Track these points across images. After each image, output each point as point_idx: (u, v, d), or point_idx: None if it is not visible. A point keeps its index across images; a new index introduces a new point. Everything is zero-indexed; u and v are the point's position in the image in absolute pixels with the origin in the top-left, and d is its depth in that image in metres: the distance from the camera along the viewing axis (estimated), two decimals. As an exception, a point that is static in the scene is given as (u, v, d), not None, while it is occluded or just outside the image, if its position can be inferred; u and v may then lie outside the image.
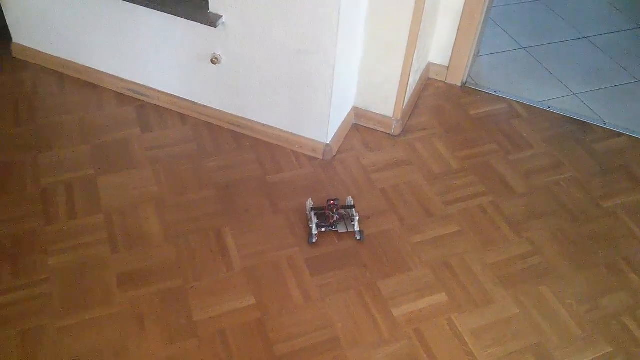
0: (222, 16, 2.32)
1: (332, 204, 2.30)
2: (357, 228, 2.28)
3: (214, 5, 2.31)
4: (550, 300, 2.14)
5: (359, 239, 2.27)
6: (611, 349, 2.01)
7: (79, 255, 2.17)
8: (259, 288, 2.10)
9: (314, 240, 2.25)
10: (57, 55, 2.89)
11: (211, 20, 2.31)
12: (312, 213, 2.29)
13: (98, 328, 1.97)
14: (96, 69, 2.84)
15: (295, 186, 2.47)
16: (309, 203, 2.34)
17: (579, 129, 2.84)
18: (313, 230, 2.25)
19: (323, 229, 2.28)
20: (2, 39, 2.97)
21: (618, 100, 3.03)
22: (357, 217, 2.29)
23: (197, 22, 2.34)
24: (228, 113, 2.66)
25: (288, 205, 2.39)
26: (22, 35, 2.91)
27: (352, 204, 2.35)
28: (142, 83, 2.77)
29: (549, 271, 2.23)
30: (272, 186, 2.46)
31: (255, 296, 2.08)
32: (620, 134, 2.83)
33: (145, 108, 2.77)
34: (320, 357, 1.93)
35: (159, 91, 2.75)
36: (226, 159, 2.56)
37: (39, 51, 2.92)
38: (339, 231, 2.29)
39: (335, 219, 2.28)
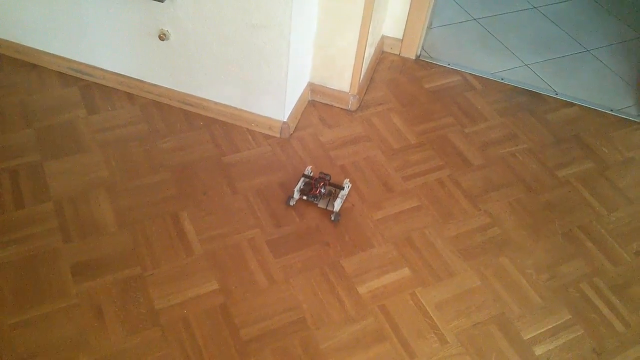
0: (170, -10, 2.22)
1: (321, 178, 2.28)
2: (336, 209, 2.24)
3: (161, -21, 2.21)
4: (511, 270, 2.17)
5: (333, 220, 2.24)
6: (570, 316, 2.06)
7: (29, 246, 2.06)
8: (221, 272, 2.05)
9: (291, 204, 2.25)
10: (-8, 34, 2.72)
11: (159, -5, 2.21)
12: (302, 179, 2.28)
13: (54, 322, 1.88)
14: (35, 47, 2.68)
15: (253, 166, 2.41)
16: (308, 170, 2.33)
17: (531, 100, 2.88)
18: (294, 194, 2.23)
19: (304, 198, 2.26)
20: None
21: (568, 70, 3.08)
22: (342, 201, 2.26)
23: (143, -3, 2.23)
24: (179, 91, 2.57)
25: (247, 186, 2.33)
26: (-48, 13, 2.72)
27: (345, 186, 2.31)
28: (85, 62, 2.64)
29: (508, 242, 2.26)
30: (229, 167, 2.40)
31: (217, 281, 2.03)
32: (571, 104, 2.88)
33: (91, 88, 2.65)
34: (287, 338, 1.91)
35: (104, 70, 2.63)
36: (179, 140, 2.47)
37: (-28, 30, 2.74)
38: (318, 205, 2.27)
39: (319, 192, 2.25)
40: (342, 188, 2.29)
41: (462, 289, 2.10)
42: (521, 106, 2.83)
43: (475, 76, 2.97)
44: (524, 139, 2.67)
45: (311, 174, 2.33)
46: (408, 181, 2.43)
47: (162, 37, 2.36)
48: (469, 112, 2.77)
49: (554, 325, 2.04)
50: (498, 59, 3.09)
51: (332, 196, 2.29)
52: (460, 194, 2.40)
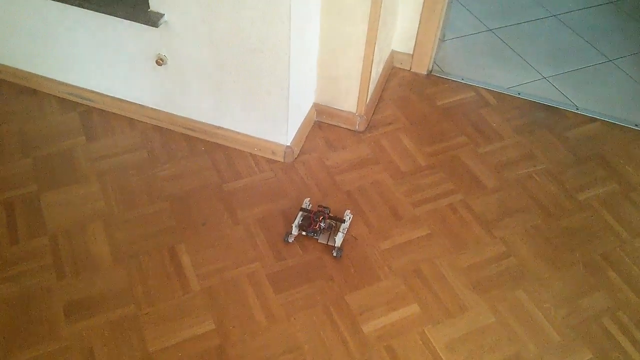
0: (163, 14, 2.13)
1: (320, 210, 2.17)
2: (338, 244, 2.12)
3: (155, 3, 2.12)
4: (527, 305, 2.03)
5: (335, 256, 2.12)
6: (591, 355, 1.92)
7: (22, 285, 2.00)
8: (219, 310, 1.96)
9: (290, 241, 2.14)
10: (-8, 60, 2.67)
11: (152, 20, 2.12)
12: (300, 213, 2.16)
13: (44, 366, 1.81)
14: (35, 72, 2.62)
15: (255, 193, 2.31)
16: (306, 202, 2.21)
17: (550, 116, 2.72)
18: (293, 230, 2.13)
19: (304, 233, 2.15)
20: None
21: (590, 82, 2.92)
22: (343, 235, 2.13)
23: (137, 22, 2.15)
24: (179, 116, 2.48)
25: (248, 215, 2.24)
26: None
27: (346, 219, 2.18)
28: (85, 87, 2.57)
29: (525, 273, 2.12)
30: (230, 194, 2.30)
31: (214, 320, 1.93)
32: (593, 119, 2.72)
33: (91, 113, 2.58)
34: (286, 384, 1.81)
35: (103, 95, 2.56)
36: (179, 167, 2.39)
37: (-28, 55, 2.69)
38: (319, 241, 2.15)
39: (319, 227, 2.14)
40: (343, 221, 2.17)
41: (475, 326, 1.97)
42: (539, 123, 2.68)
43: (490, 91, 2.82)
44: (542, 159, 2.52)
45: (309, 207, 2.22)
46: (417, 207, 2.30)
47: (160, 62, 2.27)
48: (483, 130, 2.63)
49: (574, 365, 1.90)
50: (514, 72, 2.94)
51: (332, 230, 2.17)
52: (473, 221, 2.27)
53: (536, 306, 2.03)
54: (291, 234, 2.13)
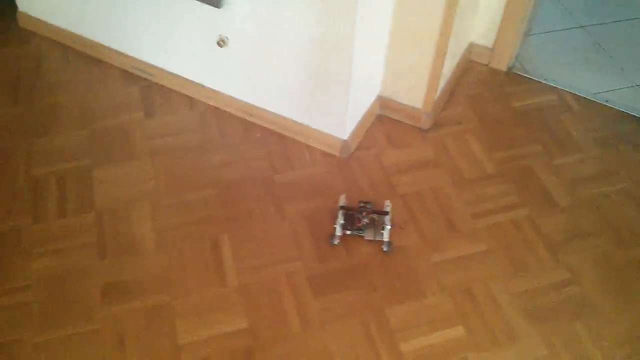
0: (227, -5, 2.04)
1: (362, 206, 2.07)
2: (386, 238, 2.03)
3: (218, -17, 2.03)
4: (585, 340, 1.85)
5: (386, 250, 2.03)
6: (652, 406, 1.73)
7: (64, 260, 2.00)
8: (253, 309, 1.89)
9: (336, 242, 2.04)
10: (63, 27, 2.67)
11: (215, 0, 2.03)
12: (340, 212, 2.06)
13: (76, 346, 1.81)
14: (102, 43, 2.61)
15: (305, 187, 2.22)
16: (343, 199, 2.11)
17: (638, 129, 2.46)
18: (337, 230, 2.03)
19: (348, 232, 2.05)
20: (8, 7, 2.76)
21: (689, 93, 2.62)
22: (389, 227, 2.03)
23: (200, 1, 2.07)
24: (238, 99, 2.41)
25: (295, 210, 2.15)
26: (27, 4, 2.70)
27: (388, 210, 2.08)
28: (148, 61, 2.53)
29: (586, 305, 1.93)
30: (280, 187, 2.22)
31: (248, 319, 1.87)
32: (688, 137, 2.44)
33: (152, 88, 2.54)
34: (312, 398, 1.73)
35: (165, 71, 2.51)
36: (232, 153, 2.32)
37: (45, 21, 2.70)
38: (365, 238, 2.05)
39: (363, 223, 2.04)
40: (387, 213, 2.05)
41: (524, 358, 1.81)
42: (625, 136, 2.43)
43: (574, 95, 2.58)
44: (623, 177, 2.28)
45: (345, 204, 2.09)
46: (478, 219, 2.14)
47: (221, 43, 2.19)
48: (562, 139, 2.41)
49: (631, 416, 1.72)
50: (604, 76, 2.67)
51: (376, 224, 2.06)
52: (539, 241, 2.08)
53: (595, 344, 1.84)
54: (335, 235, 2.03)
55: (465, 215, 2.15)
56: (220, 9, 2.07)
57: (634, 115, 2.50)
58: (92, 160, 2.28)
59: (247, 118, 2.43)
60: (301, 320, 1.87)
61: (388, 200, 2.11)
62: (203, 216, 2.13)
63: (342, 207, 2.07)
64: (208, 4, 2.06)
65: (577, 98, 2.57)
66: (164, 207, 2.15)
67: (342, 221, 2.03)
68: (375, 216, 2.08)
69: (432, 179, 2.25)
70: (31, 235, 2.06)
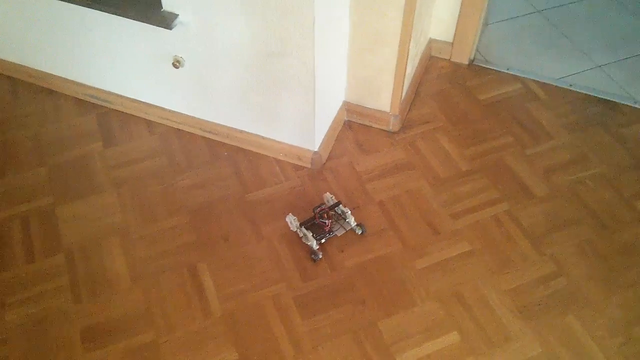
0: (178, 15, 1.96)
1: (320, 210, 2.04)
2: (353, 223, 2.05)
3: (169, 3, 1.94)
4: (578, 333, 1.84)
5: (361, 233, 2.04)
6: (651, 391, 1.73)
7: (38, 308, 1.90)
8: (241, 338, 1.83)
9: (320, 257, 1.99)
10: (8, 59, 2.54)
11: (166, 21, 1.95)
12: (303, 228, 2.01)
13: (59, 399, 1.72)
14: (51, 72, 2.49)
15: (279, 204, 2.15)
16: (291, 220, 2.05)
17: (605, 111, 2.47)
18: (313, 246, 1.98)
19: (323, 240, 2.02)
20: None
21: (650, 70, 2.64)
22: (349, 212, 2.05)
23: (149, 23, 1.98)
24: (200, 119, 2.32)
25: (272, 229, 2.08)
26: (-35, 37, 2.57)
27: (335, 200, 2.09)
28: (102, 87, 2.43)
29: (576, 296, 1.92)
30: (254, 206, 2.15)
31: (237, 349, 1.80)
32: (654, 115, 2.46)
33: (108, 115, 2.44)
34: None
35: (121, 96, 2.41)
36: (200, 175, 2.24)
37: (-13, 54, 2.57)
38: (338, 235, 2.04)
39: (329, 224, 2.02)
40: (337, 203, 2.08)
41: (520, 358, 1.78)
42: (593, 119, 2.43)
43: (538, 83, 2.57)
44: (596, 162, 2.28)
45: (297, 221, 2.06)
46: (457, 219, 2.11)
47: (177, 64, 2.11)
48: (531, 128, 2.40)
49: (631, 403, 1.71)
50: (566, 60, 2.67)
51: (338, 217, 2.07)
52: (520, 235, 2.07)
53: (589, 334, 1.84)
54: (314, 250, 1.98)
55: (445, 216, 2.12)
56: (172, 30, 1.98)
57: (599, 97, 2.51)
58: (54, 198, 2.18)
59: (211, 137, 2.35)
60: (292, 345, 1.81)
61: (326, 193, 2.12)
62: (177, 245, 2.04)
63: (301, 224, 2.03)
64: (159, 26, 1.97)
65: (542, 85, 2.56)
66: (136, 240, 2.06)
67: (313, 234, 1.99)
68: (332, 212, 2.08)
69: (407, 183, 2.22)
70: (1, 284, 1.95)
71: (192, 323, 1.86)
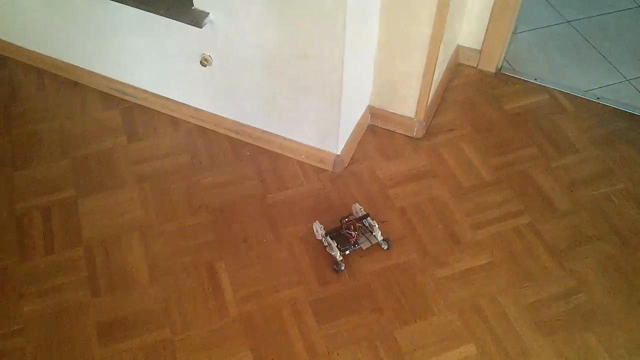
0: (208, 13, 1.96)
1: (347, 221, 2.02)
2: (380, 238, 2.01)
3: (199, 1, 1.95)
4: (597, 350, 1.81)
5: (387, 248, 2.01)
6: (670, 414, 1.71)
7: (56, 299, 1.92)
8: (257, 340, 1.83)
9: (342, 268, 1.97)
10: (37, 50, 2.56)
11: (196, 20, 1.95)
12: (329, 238, 1.99)
13: (74, 392, 1.73)
14: (79, 65, 2.51)
15: (300, 207, 2.15)
16: (317, 228, 2.03)
17: (632, 126, 2.43)
18: (337, 256, 1.96)
19: (347, 252, 1.99)
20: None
21: (680, 85, 2.60)
22: (377, 225, 2.01)
23: (179, 21, 1.98)
24: (224, 117, 2.33)
25: (291, 232, 2.08)
26: (-3, 27, 2.60)
27: (363, 212, 2.07)
28: (127, 82, 2.44)
29: (596, 313, 1.89)
30: (274, 207, 2.15)
31: (252, 351, 1.80)
32: (683, 131, 2.42)
33: (133, 110, 2.45)
34: None
35: (147, 92, 2.42)
36: (223, 174, 2.24)
37: (18, 45, 2.59)
38: (363, 248, 2.01)
39: (355, 236, 2.00)
40: (366, 215, 2.06)
41: (537, 373, 1.77)
42: (620, 134, 2.39)
43: (566, 94, 2.54)
44: (621, 177, 2.25)
45: (324, 230, 2.03)
46: (479, 230, 2.09)
47: (204, 62, 2.11)
48: (557, 140, 2.37)
49: None
50: (594, 72, 2.64)
51: (365, 230, 2.04)
52: (542, 248, 2.04)
53: (607, 352, 1.81)
54: (338, 261, 1.96)
55: (466, 226, 2.10)
56: (202, 28, 1.98)
57: (627, 112, 2.47)
58: (76, 191, 2.19)
59: (235, 136, 2.35)
60: (307, 349, 1.81)
61: (356, 204, 2.09)
62: (197, 243, 2.05)
63: (327, 233, 2.01)
64: (189, 24, 1.98)
65: (569, 97, 2.53)
66: (156, 236, 2.07)
67: (336, 245, 1.97)
68: (360, 224, 2.05)
69: (429, 190, 2.20)
70: (19, 275, 1.97)
71: (208, 322, 1.86)
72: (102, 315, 1.88)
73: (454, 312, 1.89)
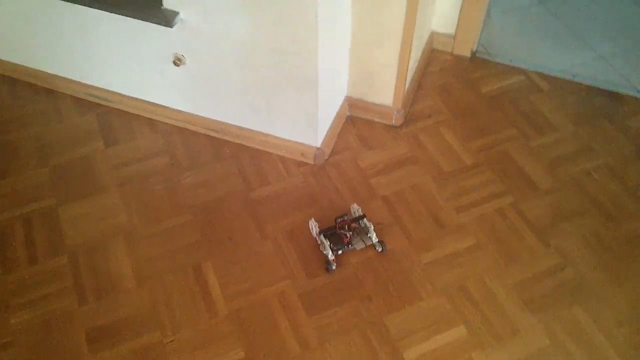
0: (178, 12, 1.94)
1: (342, 221, 1.99)
2: (375, 239, 1.99)
3: (169, 0, 1.93)
4: (585, 324, 1.83)
5: (381, 250, 1.99)
6: (660, 382, 1.73)
7: (43, 309, 1.89)
8: (248, 336, 1.82)
9: (333, 268, 1.95)
10: (7, 59, 2.53)
11: (166, 19, 1.94)
12: (322, 237, 1.98)
13: (66, 401, 1.72)
14: (51, 72, 2.48)
15: (283, 201, 2.14)
16: (313, 225, 2.03)
17: (609, 102, 2.45)
18: (329, 256, 1.95)
19: (340, 252, 1.98)
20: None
21: (653, 59, 2.62)
22: (372, 227, 1.99)
23: (149, 21, 1.97)
24: (202, 117, 2.31)
25: (276, 227, 2.07)
26: (-36, 38, 2.56)
27: (360, 213, 2.04)
28: (103, 86, 2.42)
29: (583, 288, 1.91)
30: (258, 203, 2.14)
31: (244, 348, 1.80)
32: (657, 104, 2.45)
33: (109, 115, 2.43)
34: (321, 423, 1.67)
35: (122, 95, 2.40)
36: (203, 173, 2.23)
37: (-14, 55, 2.56)
38: (357, 248, 1.99)
39: (349, 237, 1.98)
40: (363, 216, 2.02)
41: (528, 351, 1.78)
42: (597, 110, 2.42)
43: (541, 74, 2.56)
44: (601, 153, 2.27)
45: (318, 228, 2.02)
46: (462, 213, 2.10)
47: (178, 62, 2.10)
48: (535, 120, 2.38)
49: (641, 395, 1.71)
50: (568, 50, 2.66)
51: (360, 231, 2.01)
52: (526, 227, 2.06)
53: (596, 325, 1.83)
54: (329, 260, 1.95)
55: (450, 210, 2.11)
56: (173, 28, 1.97)
57: (603, 88, 2.49)
58: (57, 199, 2.17)
59: (214, 135, 2.34)
60: (299, 342, 1.81)
61: (354, 204, 2.07)
62: (182, 244, 2.04)
63: (321, 232, 1.99)
64: (159, 24, 1.96)
65: (545, 77, 2.55)
66: (140, 239, 2.05)
67: (329, 244, 1.96)
68: (355, 225, 2.02)
69: (411, 177, 2.21)
70: (4, 287, 1.95)
71: (198, 322, 1.85)
72: (90, 322, 1.86)
73: (442, 296, 1.90)
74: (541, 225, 2.06)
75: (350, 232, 1.99)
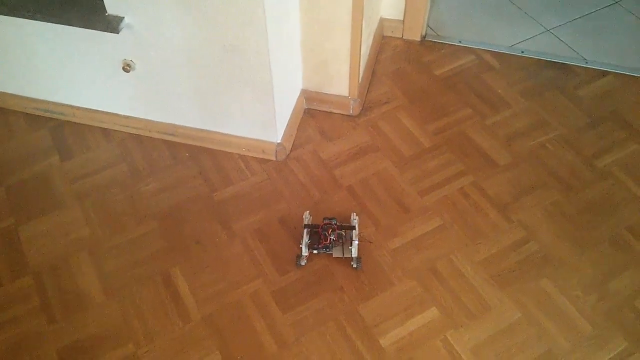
0: (123, 17, 1.91)
1: (327, 224, 1.96)
2: (354, 254, 1.92)
3: (113, 6, 1.89)
4: (554, 294, 1.88)
5: (355, 267, 1.93)
6: (626, 344, 1.78)
7: (12, 332, 1.85)
8: (224, 339, 1.81)
9: (303, 264, 1.94)
10: (-51, 79, 2.45)
11: (111, 25, 1.90)
12: (305, 230, 1.95)
13: (43, 423, 1.68)
14: (-3, 89, 2.41)
15: (248, 200, 2.13)
16: (306, 216, 2.01)
17: (559, 74, 2.50)
18: (303, 251, 1.93)
19: (315, 251, 1.95)
20: None
21: (597, 30, 2.68)
22: (357, 242, 1.93)
23: (95, 29, 1.92)
24: (157, 121, 2.28)
25: (243, 226, 2.06)
26: None
27: (355, 224, 1.98)
28: (53, 100, 2.36)
29: (548, 259, 1.96)
30: (222, 204, 2.12)
31: (220, 351, 1.79)
32: (605, 73, 2.50)
33: (62, 128, 2.38)
34: (304, 417, 1.67)
35: (73, 107, 2.35)
36: (164, 179, 2.20)
37: None
38: (333, 255, 1.96)
39: (330, 240, 1.94)
40: (353, 227, 1.96)
41: (500, 325, 1.82)
42: (548, 83, 2.47)
43: (491, 52, 2.59)
44: (554, 125, 2.32)
45: (310, 221, 2.00)
46: (426, 196, 2.12)
47: (127, 68, 2.06)
48: (489, 98, 2.42)
49: (609, 357, 1.75)
50: (515, 26, 2.70)
51: (344, 240, 1.97)
52: (488, 204, 2.09)
53: (563, 295, 1.88)
54: (302, 255, 1.93)
55: (413, 194, 2.13)
56: (119, 34, 1.93)
57: (551, 61, 2.54)
58: (15, 219, 2.11)
59: (171, 139, 2.31)
60: (275, 339, 1.81)
61: (354, 213, 2.02)
62: (149, 253, 2.01)
63: (306, 226, 1.97)
64: (105, 30, 1.92)
65: (495, 54, 2.59)
66: (105, 252, 2.02)
67: (308, 240, 1.94)
68: (342, 232, 1.98)
69: (373, 165, 2.22)
70: (-32, 313, 1.90)
71: (172, 330, 1.84)
72: (61, 341, 1.83)
73: (412, 279, 1.92)
74: (503, 201, 2.10)
75: (333, 238, 1.94)
